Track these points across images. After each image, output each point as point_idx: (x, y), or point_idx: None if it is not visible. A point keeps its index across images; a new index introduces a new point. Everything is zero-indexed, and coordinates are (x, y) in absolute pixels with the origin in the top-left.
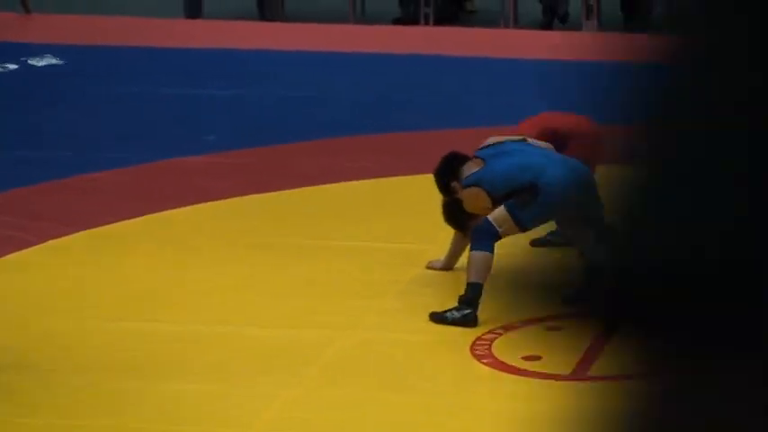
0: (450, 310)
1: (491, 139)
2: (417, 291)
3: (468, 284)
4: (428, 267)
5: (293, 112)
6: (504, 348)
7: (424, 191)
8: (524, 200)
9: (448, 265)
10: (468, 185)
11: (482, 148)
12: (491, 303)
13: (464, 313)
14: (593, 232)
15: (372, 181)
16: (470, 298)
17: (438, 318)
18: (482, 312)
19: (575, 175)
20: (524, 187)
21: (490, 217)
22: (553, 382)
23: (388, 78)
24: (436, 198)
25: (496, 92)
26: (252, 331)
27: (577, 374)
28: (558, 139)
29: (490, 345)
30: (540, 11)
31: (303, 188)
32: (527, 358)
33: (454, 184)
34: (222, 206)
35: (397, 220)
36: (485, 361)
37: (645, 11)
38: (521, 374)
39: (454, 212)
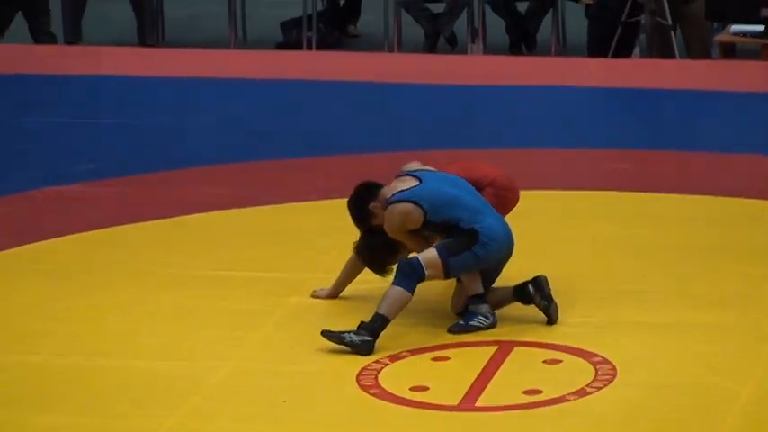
0: (348, 331)
1: (415, 164)
2: (299, 320)
3: (377, 315)
4: (313, 296)
5: (174, 140)
6: (392, 378)
7: (304, 218)
8: (459, 245)
9: (334, 293)
10: (398, 201)
11: (411, 171)
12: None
13: (364, 339)
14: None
15: (252, 209)
16: (375, 328)
17: (333, 336)
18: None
19: (506, 229)
20: (463, 230)
21: (422, 258)
22: (441, 412)
23: (272, 103)
24: (317, 225)
25: (381, 117)
26: (130, 363)
27: (465, 405)
28: (477, 187)
29: (377, 374)
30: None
31: (182, 216)
32: (414, 389)
33: (374, 205)
34: (99, 236)
35: (276, 248)
36: (372, 391)
37: (532, 36)
38: (408, 405)
39: (373, 249)
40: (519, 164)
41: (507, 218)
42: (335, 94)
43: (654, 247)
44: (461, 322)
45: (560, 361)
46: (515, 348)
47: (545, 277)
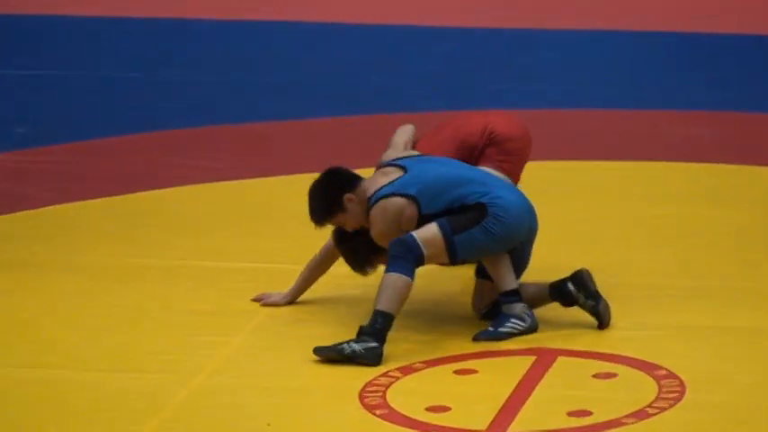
0: (347, 341)
1: (406, 128)
2: (284, 323)
3: (377, 313)
4: (263, 304)
5: (120, 99)
6: (403, 396)
7: (281, 196)
8: (465, 220)
9: (290, 299)
10: (385, 197)
11: (393, 161)
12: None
13: (368, 346)
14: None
15: (228, 183)
16: (378, 329)
17: (329, 351)
18: None
19: (523, 199)
20: (467, 206)
21: (417, 234)
22: None
23: None
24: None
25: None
26: (69, 375)
27: (495, 431)
28: (475, 152)
29: (385, 391)
30: None
31: (134, 193)
32: (432, 409)
33: (349, 197)
34: (31, 217)
35: (255, 231)
36: (379, 412)
37: None
38: (425, 429)
39: (351, 244)
40: (559, 127)
41: (535, 193)
42: None
43: (728, 234)
44: (490, 328)
45: (615, 375)
46: (558, 358)
47: (587, 271)
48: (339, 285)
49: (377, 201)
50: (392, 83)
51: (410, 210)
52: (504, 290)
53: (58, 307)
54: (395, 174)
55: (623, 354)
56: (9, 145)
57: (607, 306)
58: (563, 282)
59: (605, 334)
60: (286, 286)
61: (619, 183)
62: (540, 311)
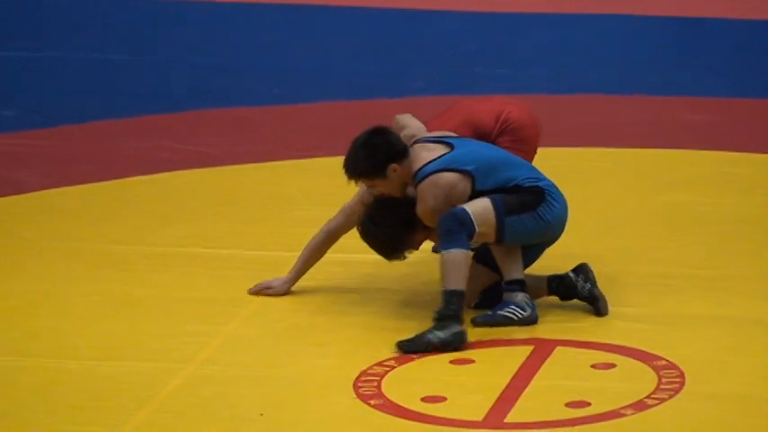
0: (429, 331)
1: (404, 118)
2: (276, 311)
3: (449, 293)
4: (263, 294)
5: (109, 82)
6: (398, 386)
7: (273, 182)
8: (521, 203)
9: (292, 283)
10: (435, 172)
11: (435, 137)
12: (378, 326)
13: (453, 332)
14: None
15: (207, 170)
16: (455, 311)
17: (416, 345)
18: (366, 339)
19: (561, 194)
20: (524, 188)
21: (469, 208)
22: (462, 430)
23: None
24: (302, 188)
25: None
26: (60, 364)
27: (492, 421)
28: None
29: (380, 381)
30: None
31: (117, 179)
32: (428, 399)
33: (394, 167)
34: (22, 202)
35: (241, 219)
36: (373, 402)
37: None
38: (420, 420)
39: (383, 228)
40: (563, 112)
41: None
42: None
43: (728, 222)
44: (489, 312)
45: (614, 365)
46: (557, 348)
47: (588, 265)
48: (330, 273)
49: (426, 176)
50: (388, 67)
51: (463, 185)
52: (509, 279)
53: (46, 294)
54: (440, 150)
55: (622, 344)
56: None
57: (604, 297)
58: (563, 274)
59: (604, 324)
60: (278, 273)
61: (617, 170)
62: (541, 299)
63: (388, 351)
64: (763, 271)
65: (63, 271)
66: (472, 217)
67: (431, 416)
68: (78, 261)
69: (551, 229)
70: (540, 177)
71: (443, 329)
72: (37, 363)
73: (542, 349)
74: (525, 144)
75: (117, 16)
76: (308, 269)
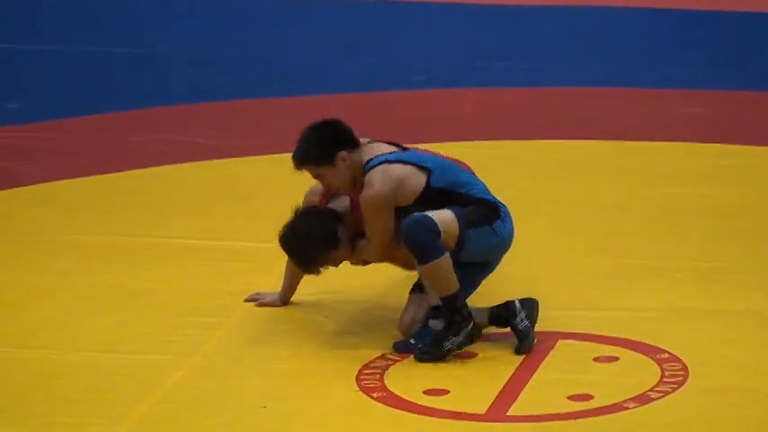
0: (444, 337)
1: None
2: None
3: (446, 299)
4: (258, 304)
5: (112, 75)
6: (401, 379)
7: (274, 174)
8: (479, 216)
9: (284, 298)
10: (386, 162)
11: (386, 140)
12: (381, 319)
13: (467, 331)
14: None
15: (209, 162)
16: (461, 312)
17: (436, 355)
18: (370, 332)
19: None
20: (477, 199)
21: (435, 217)
22: (464, 423)
23: None
24: (300, 183)
25: None
26: (61, 356)
27: (495, 414)
28: None
29: (382, 374)
30: None
31: (119, 172)
32: (430, 392)
33: (344, 154)
34: (23, 194)
35: (243, 211)
36: (376, 395)
37: None
38: (422, 413)
39: (303, 238)
40: (553, 105)
41: (529, 173)
42: None
43: (729, 215)
44: (411, 341)
45: (616, 358)
46: (559, 342)
47: (537, 301)
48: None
49: (379, 163)
50: (388, 60)
51: (416, 179)
52: (434, 305)
53: (46, 286)
54: (394, 148)
55: (625, 337)
56: (2, 120)
57: (534, 340)
58: (510, 300)
59: (607, 317)
60: (280, 266)
61: (612, 163)
62: (541, 294)
63: (390, 344)
64: (762, 264)
65: (63, 263)
66: (439, 225)
67: (433, 409)
68: (79, 253)
69: (503, 246)
70: (489, 193)
71: (459, 333)
72: (37, 355)
73: (545, 342)
74: None
75: (118, 10)
76: (299, 280)
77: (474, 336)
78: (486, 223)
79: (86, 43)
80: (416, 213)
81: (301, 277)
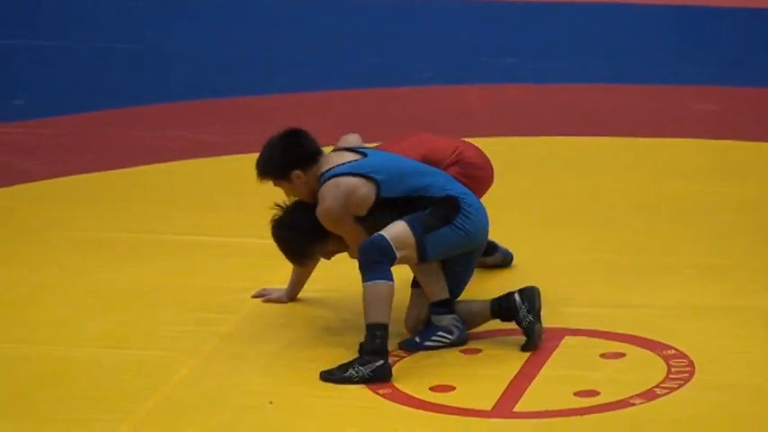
0: (351, 364)
1: (351, 138)
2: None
3: (370, 327)
4: (265, 300)
5: (118, 71)
6: (407, 375)
7: None
8: (435, 218)
9: (291, 295)
10: (337, 176)
11: (351, 147)
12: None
13: (374, 367)
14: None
15: (215, 158)
16: (378, 344)
17: (338, 378)
18: None
19: (481, 204)
20: (435, 198)
21: (389, 235)
22: (470, 419)
23: None
24: None
25: None
26: (65, 352)
27: (501, 411)
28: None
29: None
30: None
31: (126, 168)
32: (437, 389)
33: (297, 173)
34: (27, 191)
35: (250, 207)
36: (382, 392)
37: None
38: (429, 409)
39: (291, 231)
40: (562, 101)
41: (534, 170)
42: None
43: (736, 211)
44: (416, 339)
45: (623, 354)
46: (565, 338)
47: (538, 289)
48: (337, 266)
49: (330, 177)
50: (391, 56)
51: (365, 190)
52: (434, 300)
53: (51, 282)
54: (352, 156)
55: (631, 333)
56: (7, 117)
57: (542, 331)
58: (509, 293)
59: (613, 313)
60: (286, 262)
61: (620, 160)
62: (548, 290)
63: (396, 341)
64: None
65: (68, 259)
66: (391, 243)
67: (440, 405)
68: (83, 249)
69: (473, 239)
70: (452, 186)
71: (366, 366)
72: (42, 351)
73: (551, 339)
74: (474, 181)
75: (121, 6)
76: (307, 278)
77: (387, 375)
78: (444, 223)
79: (89, 39)
80: (374, 236)
81: (309, 274)
